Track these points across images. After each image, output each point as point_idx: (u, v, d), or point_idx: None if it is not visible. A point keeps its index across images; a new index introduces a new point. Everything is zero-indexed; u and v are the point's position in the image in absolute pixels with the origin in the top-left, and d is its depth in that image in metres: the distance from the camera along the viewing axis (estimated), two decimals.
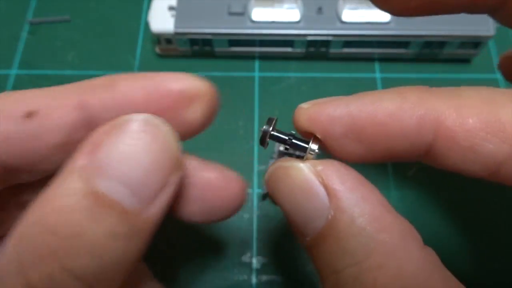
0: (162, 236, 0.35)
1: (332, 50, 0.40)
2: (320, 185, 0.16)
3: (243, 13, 0.38)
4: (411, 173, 0.36)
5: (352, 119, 0.15)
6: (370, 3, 0.39)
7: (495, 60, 0.42)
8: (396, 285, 0.14)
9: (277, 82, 0.41)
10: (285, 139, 0.18)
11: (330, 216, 0.15)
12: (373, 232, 0.14)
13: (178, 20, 0.38)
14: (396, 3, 0.17)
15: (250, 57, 0.42)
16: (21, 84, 0.41)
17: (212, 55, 0.42)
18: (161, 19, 0.39)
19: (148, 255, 0.34)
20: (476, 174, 0.15)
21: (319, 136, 0.17)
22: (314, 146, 0.17)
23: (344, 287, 0.14)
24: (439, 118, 0.14)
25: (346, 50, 0.40)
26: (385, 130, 0.15)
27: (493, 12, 0.18)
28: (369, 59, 0.42)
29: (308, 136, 0.17)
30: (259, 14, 0.38)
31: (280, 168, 0.17)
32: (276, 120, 0.18)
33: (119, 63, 0.42)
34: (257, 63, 0.42)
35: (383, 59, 0.42)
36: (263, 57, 0.42)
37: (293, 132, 0.18)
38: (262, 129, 0.18)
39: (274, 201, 0.18)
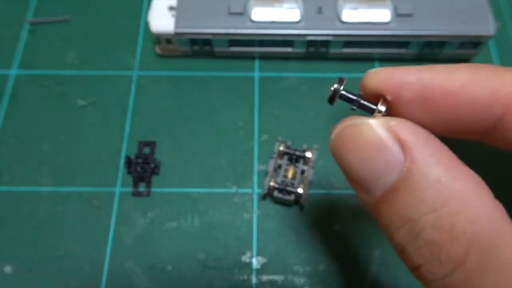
0: (162, 236, 0.35)
1: (332, 50, 0.40)
2: (394, 139, 0.16)
3: (243, 13, 0.38)
4: None
5: (423, 85, 0.16)
6: (370, 3, 0.39)
7: (495, 60, 0.42)
8: (472, 229, 0.14)
9: (277, 82, 0.41)
10: (353, 98, 0.18)
11: (405, 169, 0.15)
12: (450, 181, 0.15)
13: (178, 20, 0.38)
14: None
15: (250, 57, 0.42)
16: (20, 84, 0.41)
17: (212, 55, 0.42)
18: (161, 19, 0.39)
19: (148, 255, 0.34)
20: None
21: (388, 98, 0.17)
22: (382, 108, 0.17)
23: (420, 233, 0.15)
24: None
25: (346, 50, 0.40)
26: (455, 100, 0.15)
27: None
28: (369, 59, 0.42)
29: (375, 100, 0.18)
30: (259, 14, 0.38)
31: (351, 126, 0.17)
32: (345, 81, 0.19)
33: (119, 63, 0.42)
34: (257, 63, 0.42)
35: (383, 59, 0.42)
36: (263, 57, 0.42)
37: (361, 93, 0.18)
38: (333, 88, 0.19)
39: (338, 160, 0.18)
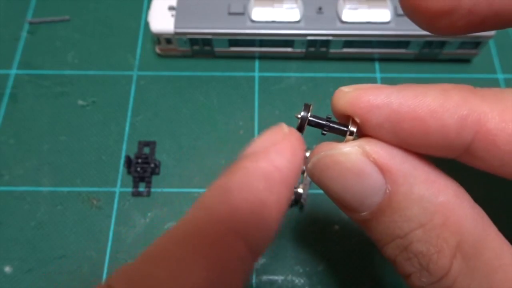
0: None
1: (332, 50, 0.40)
2: (372, 164, 0.16)
3: (243, 13, 0.38)
4: None
5: (392, 110, 0.16)
6: (370, 3, 0.39)
7: (496, 60, 0.42)
8: (456, 238, 0.15)
9: (277, 82, 0.41)
10: (323, 123, 0.18)
11: (387, 191, 0.16)
12: (432, 196, 0.15)
13: (178, 20, 0.38)
14: (444, 26, 0.17)
15: (250, 57, 0.42)
16: (20, 84, 0.41)
17: (212, 55, 0.42)
18: (161, 19, 0.39)
19: None
20: None
21: (357, 121, 0.17)
22: (353, 129, 0.17)
23: (409, 247, 0.16)
24: (481, 120, 0.15)
25: (346, 50, 0.40)
26: (424, 126, 0.15)
27: None
28: (369, 59, 0.42)
29: (344, 120, 0.17)
30: (259, 14, 0.38)
31: (327, 156, 0.17)
32: (312, 106, 0.18)
33: (119, 63, 0.42)
34: (257, 63, 0.42)
35: (383, 59, 0.42)
36: (263, 57, 0.42)
37: (329, 116, 0.18)
38: (300, 115, 0.18)
39: (320, 187, 0.18)
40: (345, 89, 0.17)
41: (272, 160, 0.17)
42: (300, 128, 0.19)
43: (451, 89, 0.16)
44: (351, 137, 0.17)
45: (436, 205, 0.15)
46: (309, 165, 0.18)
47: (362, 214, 0.17)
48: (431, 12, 0.16)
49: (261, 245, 0.17)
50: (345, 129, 0.17)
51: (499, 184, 0.35)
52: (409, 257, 0.16)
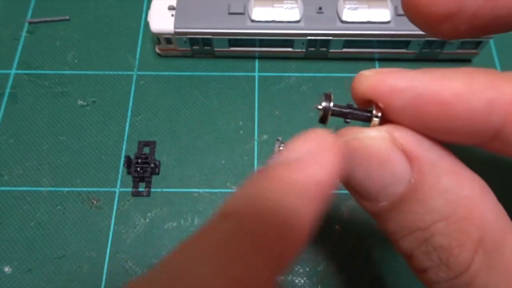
0: (162, 236, 0.35)
1: (332, 50, 0.40)
2: (399, 151, 0.15)
3: (243, 13, 0.38)
4: None
5: (415, 94, 0.15)
6: (370, 3, 0.39)
7: (496, 60, 0.42)
8: (479, 233, 0.15)
9: (277, 82, 0.41)
10: (346, 112, 0.17)
11: (413, 180, 0.15)
12: (457, 189, 0.15)
13: (178, 19, 0.38)
14: (446, 30, 0.17)
15: (250, 57, 0.42)
16: (20, 84, 0.41)
17: (212, 55, 0.41)
18: (161, 19, 0.39)
19: (148, 255, 0.34)
20: None
21: (380, 105, 0.16)
22: (377, 113, 0.16)
23: (429, 240, 0.15)
24: (511, 103, 0.14)
25: (346, 50, 0.40)
26: (449, 110, 0.15)
27: None
28: (369, 59, 0.42)
29: (365, 106, 0.17)
30: (259, 13, 0.38)
31: (354, 140, 0.16)
32: (332, 95, 0.17)
33: (119, 63, 0.42)
34: (257, 63, 0.42)
35: (383, 59, 0.42)
36: (263, 57, 0.42)
37: (350, 104, 0.17)
38: (323, 106, 0.17)
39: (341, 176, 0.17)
40: (366, 73, 0.16)
41: (311, 173, 0.15)
42: (323, 120, 0.17)
43: (476, 72, 0.15)
44: (376, 123, 0.16)
45: (461, 198, 0.15)
46: None
47: (381, 204, 0.16)
48: (434, 16, 0.16)
49: (288, 260, 0.16)
50: (369, 114, 0.17)
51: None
52: (429, 250, 0.15)
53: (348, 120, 0.17)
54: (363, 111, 0.17)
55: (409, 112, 0.15)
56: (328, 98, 0.17)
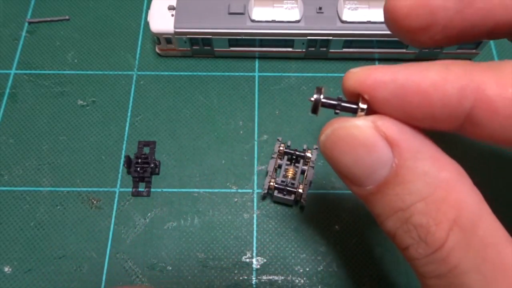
0: (162, 236, 0.35)
1: (332, 50, 0.40)
2: (382, 138, 0.17)
3: (243, 13, 0.38)
4: None
5: (397, 85, 0.17)
6: (370, 3, 0.39)
7: (496, 59, 0.42)
8: (455, 213, 0.16)
9: (277, 82, 0.41)
10: (334, 103, 0.19)
11: (394, 164, 0.17)
12: (435, 172, 0.17)
13: (177, 19, 0.38)
14: (423, 40, 0.19)
15: (250, 57, 0.42)
16: (20, 84, 0.41)
17: (212, 55, 0.41)
18: (161, 19, 0.39)
19: (148, 255, 0.34)
20: None
21: (366, 98, 0.18)
22: (363, 105, 0.18)
23: (409, 219, 0.17)
24: (480, 88, 0.16)
25: (346, 50, 0.40)
26: (428, 98, 0.16)
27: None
28: (369, 59, 0.42)
29: (354, 99, 0.19)
30: (259, 13, 0.38)
31: (340, 128, 0.18)
32: (323, 89, 0.20)
33: (119, 63, 0.42)
34: (257, 63, 0.42)
35: (383, 59, 0.42)
36: (263, 57, 0.42)
37: (340, 97, 0.19)
38: (314, 98, 0.19)
39: (330, 160, 0.19)
40: (354, 70, 0.18)
41: None
42: (314, 110, 0.19)
43: (452, 64, 0.17)
44: (362, 114, 0.18)
45: (438, 181, 0.16)
46: (322, 137, 0.19)
47: (368, 188, 0.18)
48: (411, 29, 0.19)
49: None
50: (356, 106, 0.18)
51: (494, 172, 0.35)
52: (409, 229, 0.17)
53: (338, 111, 0.19)
54: (350, 103, 0.19)
55: (392, 102, 0.17)
56: (319, 91, 0.19)
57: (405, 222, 0.17)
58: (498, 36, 0.20)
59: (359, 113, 0.18)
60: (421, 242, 0.17)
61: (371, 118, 0.18)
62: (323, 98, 0.19)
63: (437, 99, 0.16)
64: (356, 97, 0.18)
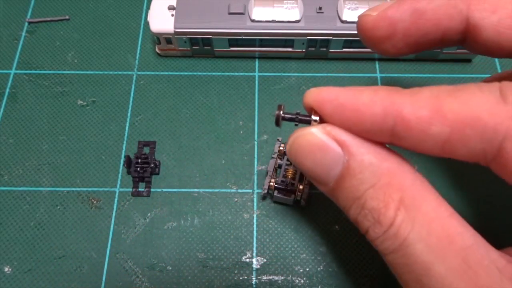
0: (162, 236, 0.35)
1: (332, 50, 0.40)
2: (332, 140, 0.21)
3: (243, 13, 0.38)
4: None
5: (339, 103, 0.21)
6: (370, 3, 0.39)
7: (496, 60, 0.42)
8: (399, 194, 0.19)
9: (277, 82, 0.41)
10: (293, 117, 0.23)
11: (345, 161, 0.20)
12: (379, 163, 0.20)
13: (177, 19, 0.38)
14: (388, 48, 0.24)
15: (250, 57, 0.42)
16: (20, 84, 0.41)
17: (212, 55, 0.41)
18: (161, 18, 0.39)
19: (148, 255, 0.34)
20: (432, 152, 0.19)
21: (318, 112, 0.22)
22: (315, 117, 0.22)
23: (364, 205, 0.20)
24: (398, 109, 0.19)
25: (346, 50, 0.40)
26: (360, 114, 0.20)
27: (462, 43, 0.24)
28: (369, 59, 0.42)
29: (310, 112, 0.22)
30: (259, 13, 0.38)
31: (299, 136, 0.22)
32: (283, 106, 0.24)
33: (119, 63, 0.42)
34: (257, 63, 0.42)
35: (383, 59, 0.42)
36: (263, 57, 0.42)
37: (298, 112, 0.23)
38: (276, 114, 0.23)
39: (297, 165, 0.22)
40: (311, 89, 0.22)
41: None
42: (277, 123, 0.24)
43: (380, 88, 0.20)
44: (315, 123, 0.22)
45: (382, 169, 0.20)
46: (287, 146, 0.23)
47: (330, 184, 0.21)
48: (376, 38, 0.24)
49: None
50: (310, 118, 0.22)
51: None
52: (365, 213, 0.20)
53: (297, 124, 0.23)
54: (306, 116, 0.23)
55: (335, 116, 0.21)
56: (279, 108, 0.23)
57: (362, 208, 0.20)
58: (451, 43, 0.24)
59: (313, 123, 0.22)
60: (376, 223, 0.20)
61: (322, 125, 0.21)
62: (283, 113, 0.23)
63: (367, 116, 0.20)
64: (311, 111, 0.22)
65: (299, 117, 0.23)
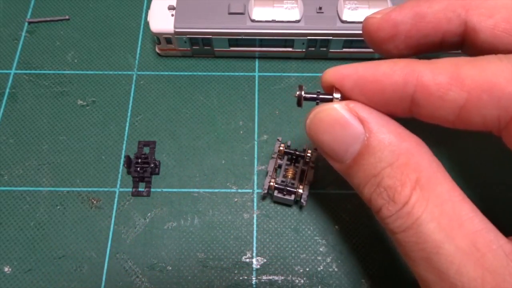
0: (162, 236, 0.35)
1: (332, 50, 0.40)
2: (355, 116, 0.21)
3: (243, 13, 0.38)
4: None
5: (358, 76, 0.22)
6: (370, 3, 0.39)
7: None
8: (416, 175, 0.20)
9: (277, 82, 0.41)
10: (315, 97, 0.24)
11: (365, 138, 0.21)
12: (398, 142, 0.21)
13: (177, 19, 0.38)
14: (391, 49, 0.25)
15: (250, 57, 0.42)
16: (20, 84, 0.41)
17: (212, 55, 0.41)
18: (161, 18, 0.39)
19: (148, 255, 0.34)
20: (447, 120, 0.20)
21: (338, 88, 0.22)
22: (337, 95, 0.23)
23: (381, 183, 0.21)
24: (418, 76, 0.20)
25: (346, 49, 0.40)
26: (381, 85, 0.21)
27: (460, 47, 0.24)
28: (369, 58, 0.42)
29: (329, 91, 0.23)
30: (259, 13, 0.38)
31: (321, 111, 0.22)
32: (304, 86, 0.25)
33: (119, 63, 0.42)
34: (257, 63, 0.42)
35: (383, 59, 0.42)
36: (263, 57, 0.42)
37: (319, 91, 0.24)
38: (297, 94, 0.24)
39: (314, 140, 0.23)
40: (328, 69, 0.23)
41: None
42: (299, 103, 0.24)
43: (399, 59, 0.21)
44: (337, 101, 0.23)
45: (401, 149, 0.20)
46: (308, 121, 0.23)
47: (347, 161, 0.22)
48: (380, 39, 0.25)
49: None
50: (331, 96, 0.23)
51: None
52: (381, 191, 0.21)
53: (318, 102, 0.24)
54: (327, 94, 0.23)
55: (356, 90, 0.22)
56: (300, 88, 0.24)
57: (378, 186, 0.21)
58: (450, 47, 0.24)
59: (335, 100, 0.23)
60: (391, 201, 0.20)
61: (345, 102, 0.22)
62: (304, 93, 0.24)
63: (388, 85, 0.21)
64: (331, 89, 0.23)
65: (321, 96, 0.23)
